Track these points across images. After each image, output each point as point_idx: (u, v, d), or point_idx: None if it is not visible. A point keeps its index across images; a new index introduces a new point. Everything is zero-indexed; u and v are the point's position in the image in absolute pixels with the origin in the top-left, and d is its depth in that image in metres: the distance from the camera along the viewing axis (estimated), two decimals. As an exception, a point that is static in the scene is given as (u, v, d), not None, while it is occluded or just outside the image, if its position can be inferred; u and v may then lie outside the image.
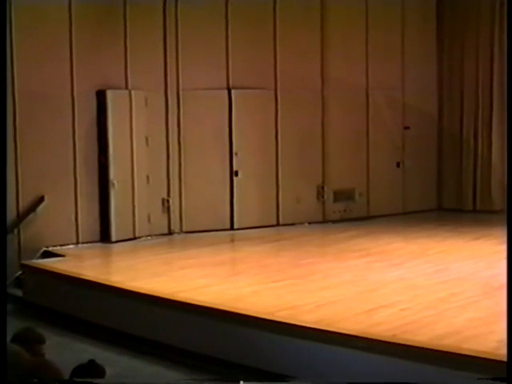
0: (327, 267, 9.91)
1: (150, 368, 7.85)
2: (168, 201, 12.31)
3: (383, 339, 6.83)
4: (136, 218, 11.86)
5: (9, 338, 5.10)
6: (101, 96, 11.65)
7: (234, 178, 12.72)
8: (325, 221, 13.59)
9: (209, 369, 7.62)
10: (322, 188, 13.62)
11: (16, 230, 11.10)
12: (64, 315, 9.51)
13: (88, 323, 9.14)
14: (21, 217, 11.17)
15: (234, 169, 12.72)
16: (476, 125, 14.49)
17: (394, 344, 6.71)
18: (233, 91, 12.71)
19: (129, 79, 11.93)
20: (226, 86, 12.73)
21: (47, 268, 10.26)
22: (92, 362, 4.59)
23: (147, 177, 12.02)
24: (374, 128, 14.13)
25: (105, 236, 11.70)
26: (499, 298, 7.64)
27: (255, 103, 12.88)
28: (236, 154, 12.70)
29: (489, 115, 14.34)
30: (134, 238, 11.82)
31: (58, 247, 11.32)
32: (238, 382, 7.00)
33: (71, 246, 11.48)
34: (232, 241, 12.36)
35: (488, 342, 6.63)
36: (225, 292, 8.71)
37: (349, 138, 13.81)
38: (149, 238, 11.97)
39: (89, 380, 4.45)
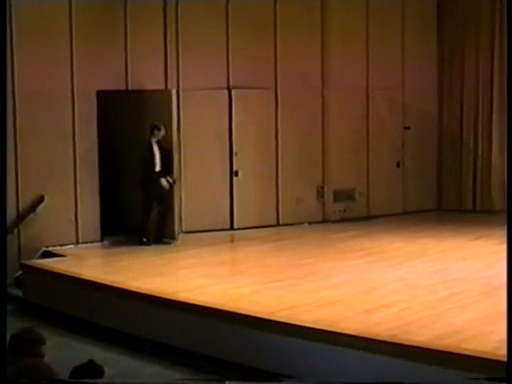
0: (327, 267, 9.91)
1: (150, 368, 7.86)
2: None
3: (383, 339, 6.83)
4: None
5: (9, 338, 5.10)
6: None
7: (234, 178, 12.71)
8: (325, 221, 13.59)
9: (209, 369, 7.62)
10: (322, 188, 13.63)
11: (16, 230, 11.10)
12: (64, 315, 9.51)
13: (88, 323, 9.14)
14: (21, 217, 11.18)
15: (234, 169, 12.71)
16: (476, 125, 14.49)
17: (394, 344, 6.71)
18: (233, 91, 12.70)
19: (129, 79, 11.93)
20: (226, 85, 12.73)
21: (47, 268, 10.26)
22: (91, 362, 4.59)
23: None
24: (373, 128, 14.13)
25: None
26: (499, 298, 7.63)
27: (255, 103, 12.88)
28: (236, 153, 12.70)
29: (489, 115, 14.34)
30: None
31: (58, 247, 11.32)
32: (238, 382, 7.00)
33: (71, 246, 11.48)
34: (232, 241, 12.36)
35: (488, 341, 6.63)
36: (225, 292, 8.71)
37: (349, 138, 13.82)
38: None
39: (87, 380, 4.45)
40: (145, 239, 11.48)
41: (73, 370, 4.56)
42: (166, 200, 11.58)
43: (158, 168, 11.51)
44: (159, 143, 11.50)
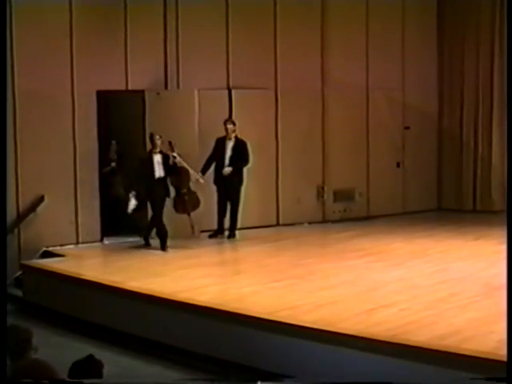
0: (327, 267, 9.91)
1: (150, 368, 7.86)
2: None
3: (383, 339, 6.83)
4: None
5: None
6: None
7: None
8: (325, 221, 13.59)
9: (209, 369, 7.62)
10: (322, 188, 13.62)
11: (16, 230, 11.10)
12: (64, 315, 9.51)
13: (88, 323, 9.14)
14: (21, 217, 11.17)
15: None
16: (476, 125, 14.50)
17: (394, 344, 6.71)
18: (233, 91, 12.70)
19: (129, 79, 11.93)
20: (226, 86, 12.73)
21: (47, 268, 10.26)
22: (90, 357, 4.59)
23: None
24: (374, 128, 14.13)
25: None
26: (499, 298, 7.64)
27: (255, 103, 12.88)
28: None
29: (489, 115, 14.34)
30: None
31: (58, 247, 11.31)
32: (238, 382, 7.01)
33: (71, 246, 11.48)
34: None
35: (488, 342, 6.63)
36: (225, 292, 8.72)
37: (349, 138, 13.81)
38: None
39: (87, 381, 4.45)
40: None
41: (72, 365, 4.56)
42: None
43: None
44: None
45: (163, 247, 11.02)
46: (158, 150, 11.13)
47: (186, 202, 11.34)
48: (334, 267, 9.90)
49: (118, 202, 11.81)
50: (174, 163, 11.21)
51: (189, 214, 11.36)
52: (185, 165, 11.29)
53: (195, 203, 11.41)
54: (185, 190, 11.34)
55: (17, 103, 11.08)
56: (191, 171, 11.42)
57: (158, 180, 11.11)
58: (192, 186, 11.45)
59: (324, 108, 13.60)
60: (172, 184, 11.32)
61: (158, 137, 11.09)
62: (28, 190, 11.21)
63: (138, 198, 11.13)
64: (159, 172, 11.11)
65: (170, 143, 11.16)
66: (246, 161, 11.91)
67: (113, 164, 11.96)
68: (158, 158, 11.11)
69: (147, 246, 11.27)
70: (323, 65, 13.56)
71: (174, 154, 11.16)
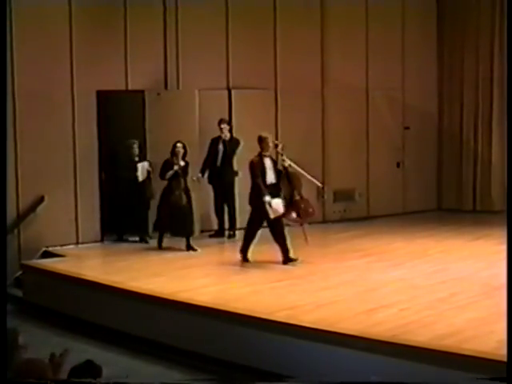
0: (327, 267, 9.91)
1: (150, 368, 7.86)
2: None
3: (383, 339, 6.84)
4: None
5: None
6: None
7: (235, 178, 12.67)
8: (325, 221, 13.59)
9: (209, 369, 7.62)
10: (322, 188, 13.61)
11: (16, 230, 11.10)
12: (64, 315, 9.51)
13: (88, 323, 9.14)
14: (21, 217, 11.17)
15: (235, 169, 12.67)
16: (476, 125, 14.50)
17: (394, 344, 6.72)
18: (233, 91, 12.70)
19: (129, 79, 11.93)
20: (226, 86, 12.73)
21: (47, 268, 10.27)
22: (89, 362, 4.59)
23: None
24: (373, 128, 14.13)
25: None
26: (499, 298, 7.64)
27: (255, 103, 12.87)
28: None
29: (489, 115, 14.34)
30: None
31: (58, 247, 11.31)
32: (238, 382, 7.01)
33: (71, 246, 11.48)
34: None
35: (488, 342, 6.64)
36: (225, 292, 8.72)
37: (349, 138, 13.82)
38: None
39: (87, 380, 4.46)
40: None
41: (71, 370, 4.57)
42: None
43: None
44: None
45: (287, 260, 10.04)
46: (268, 153, 10.11)
47: (301, 211, 10.49)
48: (334, 267, 9.91)
49: (175, 207, 11.02)
50: (284, 168, 10.26)
51: (302, 224, 10.60)
52: (298, 169, 10.46)
53: (310, 211, 10.61)
54: (298, 198, 10.45)
55: (17, 103, 11.09)
56: (308, 177, 10.68)
57: (270, 186, 10.04)
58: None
59: (324, 108, 13.61)
60: (283, 191, 10.34)
61: (270, 139, 10.19)
62: (28, 190, 11.21)
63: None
64: (271, 177, 10.11)
65: (276, 146, 10.45)
66: (230, 158, 11.91)
67: (175, 167, 10.96)
68: (268, 163, 10.11)
69: (246, 261, 10.23)
70: (323, 65, 13.56)
71: (284, 158, 10.27)
